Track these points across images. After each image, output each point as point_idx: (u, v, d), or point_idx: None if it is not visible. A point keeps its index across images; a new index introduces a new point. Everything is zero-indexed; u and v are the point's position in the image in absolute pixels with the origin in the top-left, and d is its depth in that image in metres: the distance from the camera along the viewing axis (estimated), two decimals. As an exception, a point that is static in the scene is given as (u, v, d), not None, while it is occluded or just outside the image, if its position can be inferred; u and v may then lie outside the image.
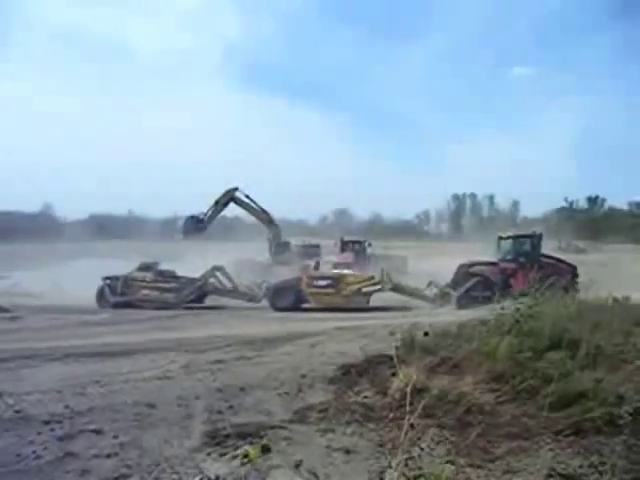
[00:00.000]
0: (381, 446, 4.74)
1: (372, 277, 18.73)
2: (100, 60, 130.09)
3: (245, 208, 28.39)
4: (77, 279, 21.94)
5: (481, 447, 4.56)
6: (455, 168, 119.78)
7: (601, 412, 4.81)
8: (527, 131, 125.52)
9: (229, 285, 19.75)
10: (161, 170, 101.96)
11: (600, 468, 4.11)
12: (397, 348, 7.37)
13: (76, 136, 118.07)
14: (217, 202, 27.16)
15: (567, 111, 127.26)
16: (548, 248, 22.31)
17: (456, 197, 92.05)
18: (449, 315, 13.50)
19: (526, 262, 18.20)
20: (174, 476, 4.27)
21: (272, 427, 5.27)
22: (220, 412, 5.93)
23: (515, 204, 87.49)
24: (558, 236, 56.25)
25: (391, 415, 5.43)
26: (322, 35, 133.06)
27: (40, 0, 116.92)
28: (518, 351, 6.43)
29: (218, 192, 26.55)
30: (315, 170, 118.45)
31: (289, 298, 18.32)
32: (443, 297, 17.90)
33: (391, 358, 7.47)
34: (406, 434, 4.14)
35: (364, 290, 18.36)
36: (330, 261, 26.56)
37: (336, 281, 18.56)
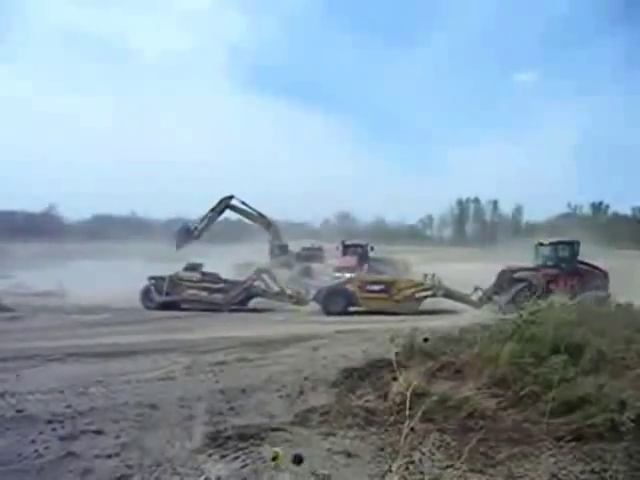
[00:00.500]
0: (382, 450, 4.75)
1: (423, 283, 18.91)
2: (103, 60, 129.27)
3: (242, 215, 28.56)
4: (80, 279, 21.94)
5: (482, 452, 4.56)
6: (458, 172, 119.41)
7: (603, 418, 4.81)
8: (530, 136, 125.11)
9: (275, 288, 19.74)
10: (163, 171, 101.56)
11: (602, 475, 4.11)
12: (398, 353, 7.35)
13: (79, 136, 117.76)
14: (212, 210, 27.39)
15: (570, 116, 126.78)
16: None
17: (459, 202, 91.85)
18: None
19: (566, 268, 18.82)
20: (175, 477, 4.28)
21: (273, 429, 5.28)
22: (222, 414, 5.94)
23: (518, 209, 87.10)
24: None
25: (392, 419, 5.43)
26: (325, 37, 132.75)
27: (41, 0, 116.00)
28: (520, 356, 6.42)
29: (220, 192, 26.53)
30: (317, 172, 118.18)
31: (341, 302, 18.36)
32: (487, 302, 18.11)
33: (392, 362, 7.48)
34: (406, 438, 4.13)
35: (417, 295, 18.63)
36: (331, 265, 26.54)
37: (389, 286, 18.75)
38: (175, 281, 18.94)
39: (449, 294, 18.53)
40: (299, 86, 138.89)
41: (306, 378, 7.54)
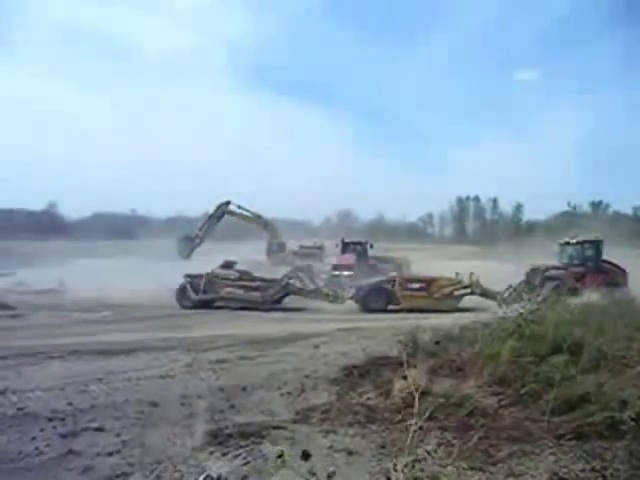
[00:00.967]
0: (383, 448, 4.75)
1: (461, 281, 19.05)
2: (103, 58, 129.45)
3: (240, 218, 29.00)
4: (81, 277, 21.97)
5: (483, 450, 4.56)
6: (458, 170, 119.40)
7: (603, 417, 4.80)
8: (530, 134, 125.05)
9: (311, 286, 19.83)
10: (164, 168, 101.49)
11: (603, 473, 4.11)
12: (403, 351, 7.35)
13: (79, 134, 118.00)
14: (210, 217, 28.35)
15: (571, 114, 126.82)
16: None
17: (460, 200, 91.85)
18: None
19: (591, 266, 19.37)
20: (176, 474, 4.28)
21: (274, 427, 5.28)
22: (222, 412, 5.95)
23: (518, 207, 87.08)
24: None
25: (393, 417, 5.44)
26: (325, 35, 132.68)
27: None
28: (521, 355, 6.42)
29: (221, 190, 26.84)
30: (318, 170, 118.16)
31: (382, 300, 18.51)
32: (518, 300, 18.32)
33: (393, 360, 7.49)
34: (412, 436, 4.14)
35: (455, 293, 18.79)
36: (330, 262, 26.51)
37: (429, 284, 18.92)
38: (212, 279, 18.79)
39: (484, 292, 18.68)
40: (299, 84, 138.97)
41: (307, 376, 7.55)
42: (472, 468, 4.19)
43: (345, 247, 28.66)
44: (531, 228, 72.86)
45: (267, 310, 17.71)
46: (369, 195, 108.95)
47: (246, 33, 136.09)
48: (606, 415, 4.80)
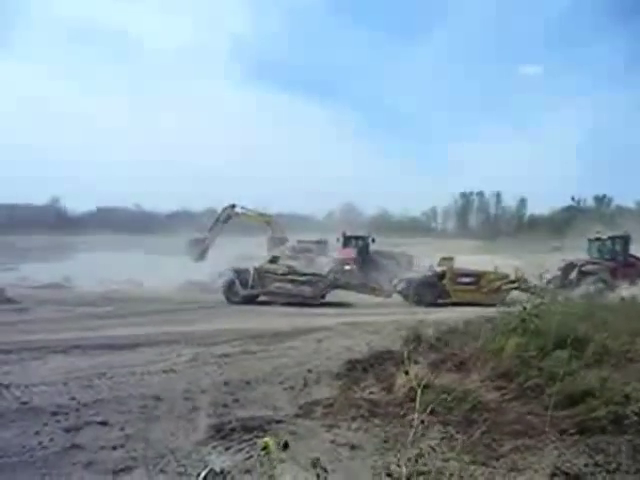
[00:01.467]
0: (386, 442, 4.76)
1: (508, 275, 19.19)
2: (102, 54, 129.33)
3: (244, 219, 30.09)
4: (85, 272, 22.04)
5: (486, 445, 4.57)
6: (462, 166, 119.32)
7: (606, 411, 4.80)
8: (534, 129, 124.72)
9: (358, 280, 19.96)
10: (166, 164, 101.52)
11: (606, 467, 4.10)
12: (407, 346, 7.36)
13: (82, 130, 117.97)
14: (217, 220, 29.31)
15: (574, 109, 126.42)
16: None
17: (463, 195, 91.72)
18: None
19: (621, 260, 20.03)
20: (180, 469, 4.29)
21: (278, 421, 5.29)
22: (226, 406, 5.96)
23: (522, 202, 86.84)
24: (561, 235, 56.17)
25: (396, 411, 5.44)
26: (328, 32, 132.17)
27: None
28: (524, 349, 6.42)
29: (222, 187, 27.23)
30: (320, 165, 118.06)
31: (432, 294, 18.57)
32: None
33: (396, 354, 7.49)
34: (415, 431, 4.13)
35: (503, 288, 18.87)
36: (331, 257, 26.45)
37: (478, 278, 19.02)
38: (261, 274, 18.64)
39: (529, 288, 18.74)
40: (301, 81, 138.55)
41: (310, 370, 7.56)
42: (474, 462, 4.20)
43: (346, 241, 28.59)
44: (534, 223, 72.80)
45: (317, 305, 17.63)
46: (372, 191, 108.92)
47: (249, 29, 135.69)
48: (609, 410, 4.81)
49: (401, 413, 5.37)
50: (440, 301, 18.35)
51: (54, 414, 5.63)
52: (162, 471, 4.27)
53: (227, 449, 4.66)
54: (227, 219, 29.27)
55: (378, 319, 13.06)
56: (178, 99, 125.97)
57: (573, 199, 78.84)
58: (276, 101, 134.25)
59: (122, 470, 4.30)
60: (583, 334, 6.70)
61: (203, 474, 4.04)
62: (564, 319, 7.17)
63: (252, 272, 18.53)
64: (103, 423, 5.38)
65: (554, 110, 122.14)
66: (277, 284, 18.47)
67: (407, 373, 5.87)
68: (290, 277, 18.55)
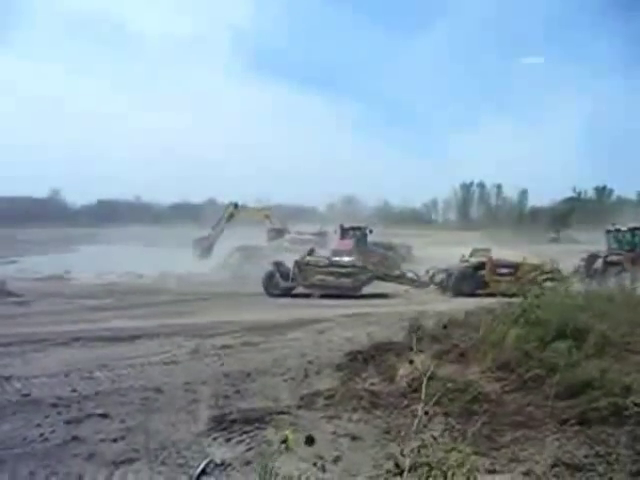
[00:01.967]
0: (387, 433, 4.76)
1: (543, 265, 19.09)
2: (106, 49, 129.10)
3: (246, 215, 31.49)
4: (86, 265, 22.09)
5: (487, 435, 4.57)
6: (462, 157, 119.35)
7: (607, 402, 4.80)
8: (535, 120, 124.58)
9: (396, 271, 20.03)
10: (166, 154, 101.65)
11: (606, 458, 4.10)
12: (411, 337, 7.34)
13: (81, 121, 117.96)
14: (220, 219, 30.53)
15: (575, 101, 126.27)
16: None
17: (464, 186, 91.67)
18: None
19: None
20: (180, 460, 4.30)
21: (279, 413, 5.30)
22: (227, 397, 5.96)
23: (523, 193, 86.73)
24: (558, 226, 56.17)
25: (397, 402, 5.44)
26: (328, 22, 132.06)
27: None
28: (525, 340, 6.41)
29: (224, 176, 27.44)
30: (321, 157, 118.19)
31: (472, 284, 18.59)
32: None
33: (397, 345, 7.49)
34: (419, 422, 4.13)
35: (538, 279, 18.61)
36: (328, 248, 26.45)
37: (516, 269, 19.00)
38: (302, 266, 18.52)
39: (562, 278, 18.68)
40: (300, 71, 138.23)
41: (310, 362, 7.56)
42: (476, 453, 4.19)
43: (344, 232, 28.64)
44: (535, 214, 72.73)
45: (356, 297, 17.55)
46: (372, 181, 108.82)
47: (249, 19, 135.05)
48: (610, 401, 4.79)
49: (399, 403, 5.38)
50: (480, 292, 18.22)
51: (55, 406, 5.64)
52: (163, 463, 4.28)
53: (227, 441, 4.67)
54: (230, 217, 30.33)
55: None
56: (178, 90, 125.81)
57: (574, 190, 78.84)
58: (274, 91, 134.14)
59: (123, 462, 4.31)
60: (584, 325, 6.69)
61: (202, 465, 4.05)
62: (565, 310, 7.15)
63: (294, 265, 18.47)
64: (104, 415, 5.39)
65: (556, 100, 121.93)
66: (319, 276, 18.36)
67: (411, 362, 5.87)
68: (331, 269, 18.50)
